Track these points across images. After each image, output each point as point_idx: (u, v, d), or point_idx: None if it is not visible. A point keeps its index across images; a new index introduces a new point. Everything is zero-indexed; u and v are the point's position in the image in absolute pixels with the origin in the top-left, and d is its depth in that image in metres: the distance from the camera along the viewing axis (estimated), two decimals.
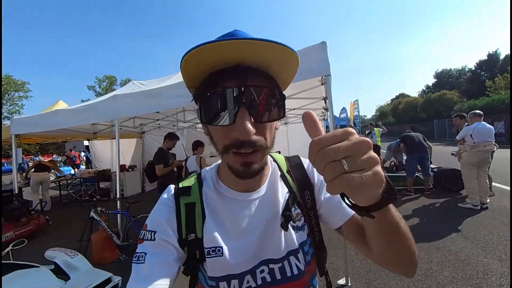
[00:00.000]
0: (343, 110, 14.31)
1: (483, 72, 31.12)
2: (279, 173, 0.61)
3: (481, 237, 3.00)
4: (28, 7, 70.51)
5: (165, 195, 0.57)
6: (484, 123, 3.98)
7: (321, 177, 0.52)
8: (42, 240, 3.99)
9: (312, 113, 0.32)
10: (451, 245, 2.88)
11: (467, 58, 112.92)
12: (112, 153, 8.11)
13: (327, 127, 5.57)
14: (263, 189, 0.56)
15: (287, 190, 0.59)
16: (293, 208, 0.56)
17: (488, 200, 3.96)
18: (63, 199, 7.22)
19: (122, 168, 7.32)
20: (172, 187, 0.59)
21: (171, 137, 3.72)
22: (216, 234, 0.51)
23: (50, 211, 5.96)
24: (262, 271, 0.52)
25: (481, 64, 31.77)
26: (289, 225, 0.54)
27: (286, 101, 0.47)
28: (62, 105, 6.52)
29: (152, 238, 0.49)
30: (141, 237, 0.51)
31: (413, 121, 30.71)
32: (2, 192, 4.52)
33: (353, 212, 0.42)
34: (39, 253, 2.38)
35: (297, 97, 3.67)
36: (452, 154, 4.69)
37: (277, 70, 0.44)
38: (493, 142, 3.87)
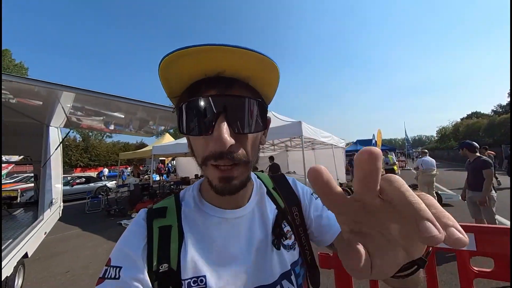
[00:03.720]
0: (373, 137, 15.70)
1: None
2: (265, 189, 0.58)
3: None
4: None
5: (135, 220, 0.49)
6: (428, 157, 6.03)
7: (307, 195, 0.61)
8: None
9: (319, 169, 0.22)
10: None
11: None
12: (195, 167, 12.35)
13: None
14: (249, 205, 0.53)
15: (274, 206, 0.56)
16: (282, 225, 0.54)
17: None
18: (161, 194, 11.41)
19: (196, 176, 11.12)
20: (144, 210, 0.51)
21: None
22: (198, 260, 0.44)
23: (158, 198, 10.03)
24: None
25: None
26: (281, 244, 0.51)
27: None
28: (168, 137, 10.86)
29: (116, 277, 0.40)
30: (101, 275, 0.41)
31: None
32: (142, 185, 8.57)
33: None
34: None
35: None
36: (415, 178, 6.56)
37: (258, 83, 0.43)
38: (435, 169, 5.77)
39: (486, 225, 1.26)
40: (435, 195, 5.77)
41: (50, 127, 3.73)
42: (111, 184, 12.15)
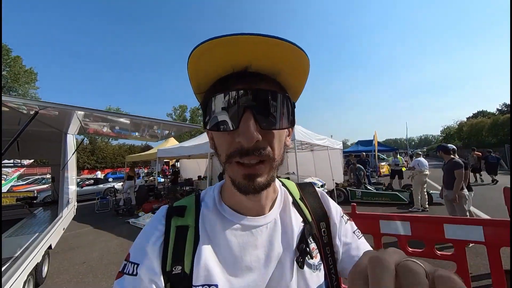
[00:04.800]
0: (374, 138, 15.95)
1: None
2: (290, 199, 0.54)
3: None
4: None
5: (155, 216, 0.49)
6: (422, 158, 6.29)
7: (338, 214, 0.55)
8: None
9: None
10: None
11: None
12: (198, 168, 12.66)
13: None
14: (272, 214, 0.49)
15: (301, 219, 0.51)
16: (309, 241, 0.48)
17: (427, 206, 5.98)
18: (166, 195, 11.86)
19: (199, 178, 11.56)
20: (165, 207, 0.50)
21: None
22: (211, 267, 0.42)
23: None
24: None
25: None
26: (305, 262, 0.45)
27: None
28: (172, 140, 11.31)
29: (134, 273, 0.40)
30: (121, 269, 0.42)
31: (481, 145, 27.47)
32: (148, 186, 9.03)
33: None
34: None
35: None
36: (408, 177, 6.80)
37: (287, 77, 0.41)
38: (427, 169, 6.06)
39: (419, 215, 1.64)
40: (425, 193, 6.08)
41: (67, 134, 4.19)
42: (118, 185, 12.71)
